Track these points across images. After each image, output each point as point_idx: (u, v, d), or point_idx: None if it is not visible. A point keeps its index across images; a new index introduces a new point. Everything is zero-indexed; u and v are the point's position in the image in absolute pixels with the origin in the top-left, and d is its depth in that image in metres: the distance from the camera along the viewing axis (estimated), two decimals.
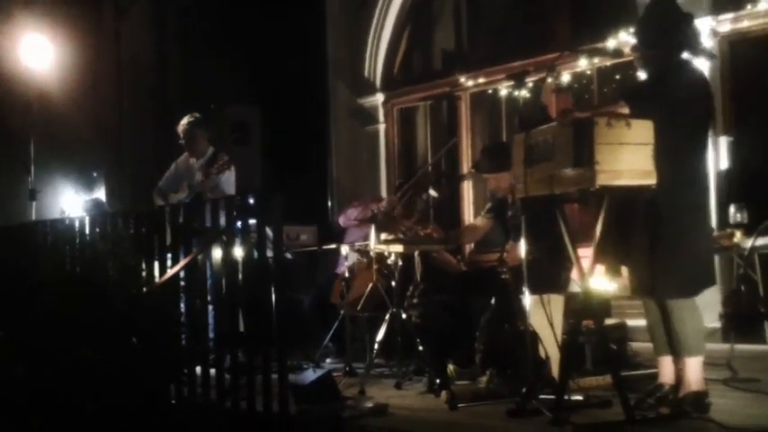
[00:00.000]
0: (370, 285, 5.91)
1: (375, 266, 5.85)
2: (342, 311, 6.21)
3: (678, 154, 4.05)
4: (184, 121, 6.91)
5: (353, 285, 6.05)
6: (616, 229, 4.15)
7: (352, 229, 7.00)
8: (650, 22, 4.29)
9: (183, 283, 5.10)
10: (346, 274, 6.19)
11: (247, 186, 6.94)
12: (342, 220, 7.09)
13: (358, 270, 6.25)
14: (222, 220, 5.00)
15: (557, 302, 4.80)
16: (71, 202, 9.73)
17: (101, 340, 4.84)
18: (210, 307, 5.16)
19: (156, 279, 5.13)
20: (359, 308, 6.10)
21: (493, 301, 5.15)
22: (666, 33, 4.18)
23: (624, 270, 4.29)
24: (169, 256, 5.17)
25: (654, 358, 4.37)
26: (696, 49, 4.26)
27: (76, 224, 5.82)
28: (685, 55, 4.21)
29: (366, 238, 6.43)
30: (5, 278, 6.12)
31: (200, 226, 5.05)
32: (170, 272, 5.03)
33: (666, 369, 4.23)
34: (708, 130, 4.21)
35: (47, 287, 5.63)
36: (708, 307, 4.21)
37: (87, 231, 5.69)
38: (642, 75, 4.36)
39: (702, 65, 4.77)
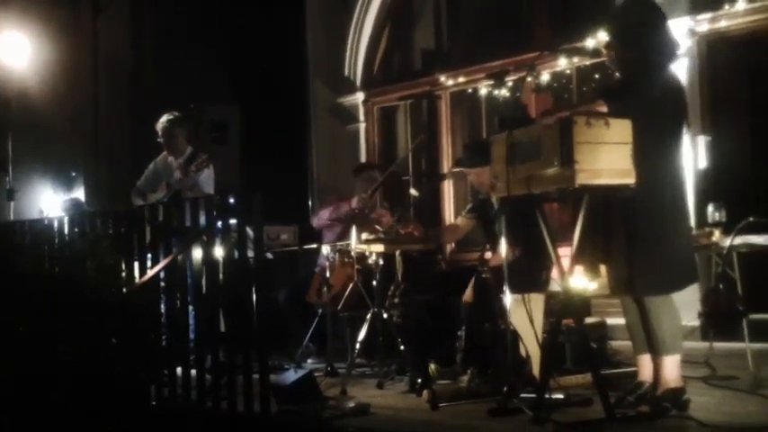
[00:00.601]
0: (352, 284, 5.90)
1: (356, 266, 5.84)
2: (320, 310, 6.20)
3: (654, 153, 4.08)
4: (163, 119, 6.89)
5: (329, 284, 6.02)
6: (595, 228, 4.17)
7: (326, 230, 6.98)
8: (626, 20, 4.30)
9: (162, 283, 5.08)
10: (327, 273, 6.18)
11: (227, 186, 6.92)
12: (315, 222, 7.03)
13: (333, 269, 6.21)
14: (202, 220, 4.98)
15: (537, 302, 4.82)
16: (50, 201, 9.67)
17: (79, 340, 4.81)
18: (190, 307, 5.14)
19: (136, 279, 5.11)
20: (339, 307, 6.09)
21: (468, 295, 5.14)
22: (642, 33, 4.20)
23: (603, 269, 4.30)
24: (149, 255, 5.15)
25: (633, 357, 4.40)
26: (671, 51, 4.27)
27: (55, 224, 5.78)
28: (659, 57, 4.22)
29: (340, 238, 6.43)
30: None
31: (180, 225, 5.03)
32: (150, 272, 5.01)
33: (646, 367, 4.25)
34: (682, 130, 4.23)
35: (24, 287, 5.59)
36: (686, 305, 4.24)
37: (66, 231, 5.65)
38: (617, 73, 4.38)
39: (678, 65, 4.79)
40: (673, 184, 4.14)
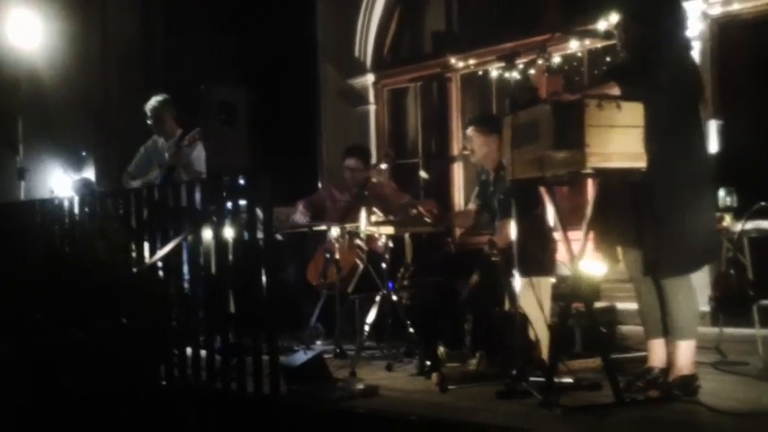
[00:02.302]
0: (361, 266, 5.90)
1: (365, 248, 5.84)
2: (324, 292, 6.22)
3: (669, 133, 4.05)
4: (152, 101, 6.92)
5: (338, 265, 6.03)
6: (610, 212, 4.16)
7: (330, 210, 7.00)
8: (644, 1, 4.27)
9: (172, 263, 5.09)
10: (336, 255, 6.18)
11: (235, 168, 6.91)
12: (299, 218, 6.99)
13: (336, 250, 6.23)
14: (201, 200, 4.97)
15: (545, 285, 4.82)
16: (60, 181, 9.68)
17: (90, 320, 4.83)
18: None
19: (146, 259, 5.12)
20: (349, 289, 6.10)
21: (474, 278, 5.15)
22: (658, 11, 4.17)
23: (620, 253, 4.30)
24: (159, 236, 5.15)
25: (643, 342, 4.39)
26: (683, 30, 4.25)
27: (65, 204, 5.79)
28: (672, 35, 4.19)
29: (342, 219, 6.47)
30: None
31: (189, 206, 5.03)
32: (160, 252, 5.02)
33: (656, 353, 4.25)
34: (698, 109, 4.21)
35: (35, 267, 5.62)
36: (697, 290, 4.23)
37: (76, 211, 5.67)
38: (626, 53, 4.34)
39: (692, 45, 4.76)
40: (692, 163, 4.11)
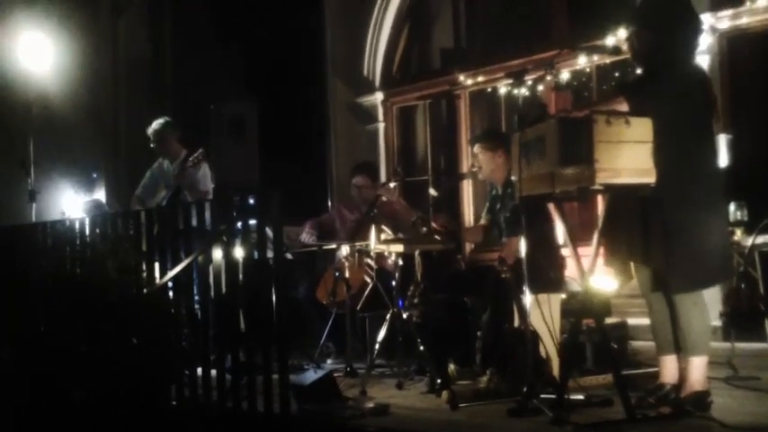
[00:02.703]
0: (371, 284, 5.90)
1: (374, 266, 5.84)
2: (334, 310, 6.23)
3: (680, 148, 4.04)
4: (154, 124, 7.06)
5: (348, 284, 6.04)
6: (628, 227, 4.14)
7: (340, 228, 7.03)
8: (658, 7, 4.25)
9: (182, 283, 5.10)
10: (346, 273, 6.19)
11: (246, 185, 6.94)
12: (305, 238, 7.02)
13: (346, 269, 6.25)
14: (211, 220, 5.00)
15: (555, 302, 4.81)
16: (71, 202, 9.72)
17: (101, 340, 4.84)
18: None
19: (157, 279, 5.13)
20: (359, 307, 6.10)
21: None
22: (672, 23, 4.16)
23: (633, 269, 4.28)
24: (169, 256, 5.17)
25: (655, 357, 4.37)
26: (696, 43, 4.24)
27: (76, 225, 5.81)
28: (684, 48, 4.19)
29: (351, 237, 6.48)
30: (5, 278, 6.13)
31: (200, 226, 5.04)
32: (171, 272, 5.03)
33: (668, 368, 4.23)
34: (710, 123, 4.19)
35: (47, 288, 5.64)
36: (708, 305, 4.21)
37: (87, 232, 5.69)
38: (638, 68, 4.34)
39: (699, 62, 4.75)
40: (703, 178, 4.10)
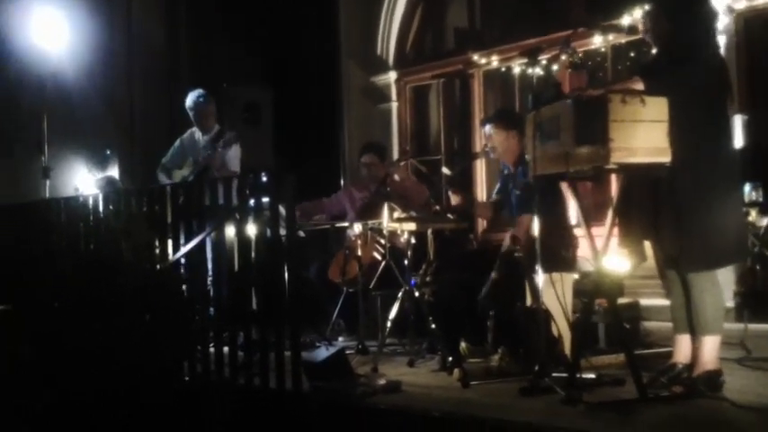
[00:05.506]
0: (383, 262, 5.91)
1: (387, 244, 5.84)
2: (345, 289, 6.25)
3: (696, 129, 4.03)
4: (195, 95, 6.98)
5: (360, 262, 6.05)
6: (641, 207, 4.13)
7: (349, 207, 7.05)
8: None
9: (194, 260, 5.11)
10: (358, 251, 6.20)
11: (260, 166, 6.95)
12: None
13: (355, 247, 6.26)
14: (235, 198, 5.00)
15: (568, 281, 4.80)
16: (84, 180, 9.75)
17: (114, 317, 4.87)
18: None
19: (170, 256, 5.15)
20: (371, 286, 6.11)
21: (493, 275, 5.14)
22: (689, 6, 4.13)
23: (649, 250, 4.27)
24: (182, 233, 5.18)
25: (667, 338, 4.36)
26: (714, 26, 4.22)
27: (90, 202, 5.83)
28: (702, 32, 4.16)
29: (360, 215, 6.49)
30: (19, 255, 6.16)
31: (213, 204, 5.05)
32: (183, 249, 5.04)
33: (682, 348, 4.22)
34: (726, 104, 4.17)
35: (60, 265, 5.67)
36: (722, 286, 4.20)
37: (101, 209, 5.71)
38: (653, 48, 4.31)
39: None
40: (719, 158, 4.08)
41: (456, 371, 4.70)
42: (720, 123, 4.15)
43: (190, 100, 6.99)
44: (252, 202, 4.84)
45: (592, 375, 4.34)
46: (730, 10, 6.79)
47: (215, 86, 7.60)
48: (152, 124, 10.24)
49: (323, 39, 9.69)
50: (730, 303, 5.29)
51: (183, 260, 5.09)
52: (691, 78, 4.05)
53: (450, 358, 4.94)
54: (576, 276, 5.03)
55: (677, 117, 3.97)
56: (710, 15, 4.22)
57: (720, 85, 4.16)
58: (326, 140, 9.65)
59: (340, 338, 6.44)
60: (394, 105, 9.32)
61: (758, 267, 4.96)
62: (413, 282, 5.41)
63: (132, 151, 10.41)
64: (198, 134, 7.03)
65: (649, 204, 4.14)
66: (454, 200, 5.68)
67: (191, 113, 7.01)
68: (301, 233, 6.75)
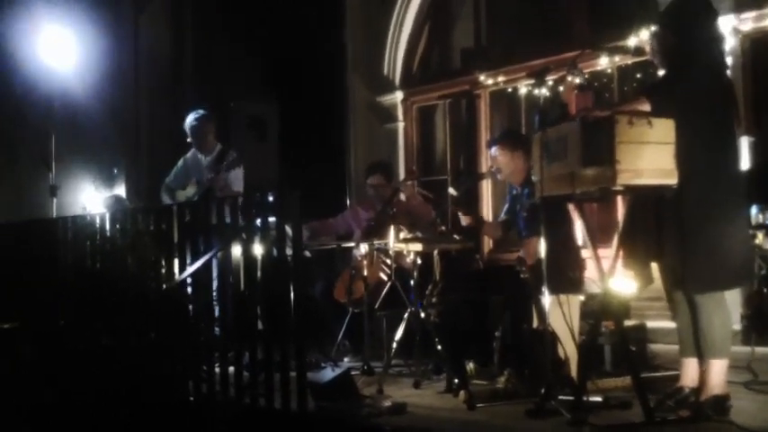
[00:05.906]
0: (389, 283, 5.90)
1: (393, 264, 5.84)
2: (350, 309, 6.24)
3: (703, 149, 4.02)
4: (192, 118, 7.00)
5: (366, 282, 6.05)
6: (646, 228, 4.12)
7: (355, 227, 7.06)
8: (681, 8, 4.23)
9: (201, 280, 5.12)
10: (364, 272, 6.20)
11: (265, 183, 6.96)
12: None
13: (361, 267, 6.26)
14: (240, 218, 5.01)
15: (574, 303, 4.79)
16: (91, 198, 9.77)
17: (120, 335, 4.87)
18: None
19: (176, 275, 5.15)
20: (376, 306, 6.10)
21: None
22: (695, 24, 4.14)
23: (656, 272, 4.25)
24: (188, 253, 5.18)
25: (674, 360, 4.34)
26: (719, 46, 4.22)
27: (97, 220, 5.84)
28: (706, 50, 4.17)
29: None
30: (26, 272, 6.17)
31: (219, 223, 5.06)
32: (190, 268, 5.04)
33: (689, 371, 4.20)
34: (732, 124, 4.17)
35: (67, 282, 5.68)
36: (729, 308, 4.18)
37: (108, 227, 5.72)
38: (659, 68, 4.32)
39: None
40: (725, 180, 4.08)
41: (462, 393, 4.68)
42: (726, 138, 4.13)
43: (187, 121, 7.02)
44: (258, 221, 4.85)
45: (598, 398, 4.32)
46: (737, 31, 6.79)
47: (221, 103, 7.62)
48: (158, 142, 10.27)
49: (329, 57, 9.73)
50: (737, 326, 5.27)
51: (189, 279, 5.09)
52: (693, 82, 4.04)
53: (456, 380, 4.92)
54: (582, 298, 5.01)
55: (683, 136, 3.97)
56: (714, 24, 4.21)
57: (725, 97, 4.15)
58: (332, 158, 9.67)
59: (345, 359, 6.42)
60: (400, 125, 9.34)
61: (765, 290, 4.94)
62: (419, 303, 5.40)
63: (139, 169, 10.44)
64: (200, 155, 7.04)
65: (654, 223, 4.13)
66: (464, 220, 5.69)
67: (188, 135, 7.03)
68: (307, 253, 6.75)
